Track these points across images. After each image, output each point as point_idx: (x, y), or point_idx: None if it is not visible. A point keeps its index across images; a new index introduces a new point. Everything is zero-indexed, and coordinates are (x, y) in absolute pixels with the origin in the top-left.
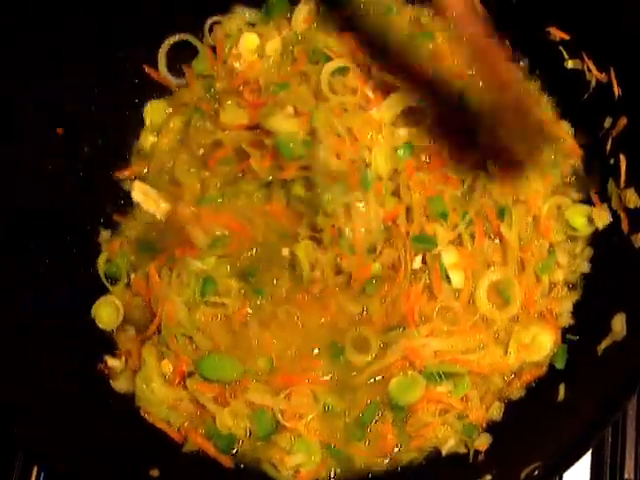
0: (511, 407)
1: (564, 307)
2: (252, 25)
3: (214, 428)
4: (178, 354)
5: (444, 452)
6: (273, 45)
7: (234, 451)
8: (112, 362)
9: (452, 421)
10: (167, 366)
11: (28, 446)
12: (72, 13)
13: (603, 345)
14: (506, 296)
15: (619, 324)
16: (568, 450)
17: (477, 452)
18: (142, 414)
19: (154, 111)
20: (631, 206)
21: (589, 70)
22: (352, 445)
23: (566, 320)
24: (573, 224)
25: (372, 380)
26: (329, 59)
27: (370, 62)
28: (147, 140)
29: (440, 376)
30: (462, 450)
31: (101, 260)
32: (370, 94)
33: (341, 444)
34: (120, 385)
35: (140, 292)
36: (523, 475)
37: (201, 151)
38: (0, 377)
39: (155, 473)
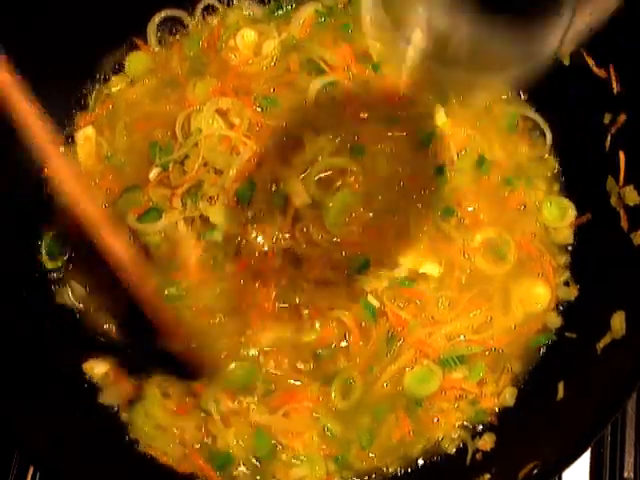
0: (510, 406)
1: (560, 261)
2: (252, 21)
3: (213, 448)
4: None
5: (448, 445)
6: (270, 46)
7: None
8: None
9: (464, 407)
10: (171, 404)
11: (25, 446)
12: None
13: (602, 344)
14: (501, 253)
15: (618, 322)
16: (567, 449)
17: (476, 451)
18: (141, 448)
19: (137, 61)
20: (630, 203)
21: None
22: (359, 453)
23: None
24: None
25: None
26: (322, 71)
27: None
28: (118, 84)
29: (455, 362)
30: (467, 442)
31: None
32: None
33: (346, 454)
34: (107, 399)
35: None
36: (522, 474)
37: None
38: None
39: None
